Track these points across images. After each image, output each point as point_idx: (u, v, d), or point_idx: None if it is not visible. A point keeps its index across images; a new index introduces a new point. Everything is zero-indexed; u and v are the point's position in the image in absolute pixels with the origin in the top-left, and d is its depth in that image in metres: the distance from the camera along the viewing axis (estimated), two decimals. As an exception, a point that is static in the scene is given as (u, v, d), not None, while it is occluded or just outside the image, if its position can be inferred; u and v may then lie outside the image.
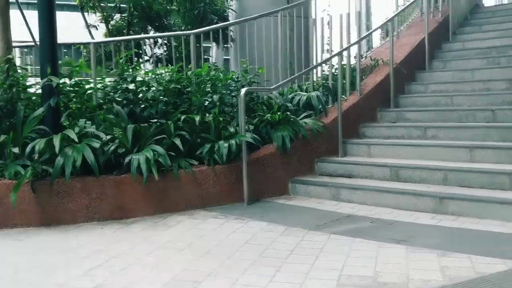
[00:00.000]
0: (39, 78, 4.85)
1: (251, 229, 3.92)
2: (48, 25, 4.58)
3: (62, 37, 5.09)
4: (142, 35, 8.03)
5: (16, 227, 4.09)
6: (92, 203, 4.26)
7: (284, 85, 5.83)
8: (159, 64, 8.16)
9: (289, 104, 5.72)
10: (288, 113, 5.38)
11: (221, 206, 4.72)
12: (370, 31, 7.12)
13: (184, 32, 6.72)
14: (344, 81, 6.03)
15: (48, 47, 4.60)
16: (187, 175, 4.62)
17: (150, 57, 8.37)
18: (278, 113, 5.31)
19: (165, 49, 8.59)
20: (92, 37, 9.01)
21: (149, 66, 8.21)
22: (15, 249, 3.57)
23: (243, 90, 4.85)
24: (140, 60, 8.11)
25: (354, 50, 6.47)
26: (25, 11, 5.23)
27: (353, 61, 6.40)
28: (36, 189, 4.12)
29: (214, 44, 9.53)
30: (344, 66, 6.12)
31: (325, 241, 3.52)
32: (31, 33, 5.23)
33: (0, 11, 5.13)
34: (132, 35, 8.15)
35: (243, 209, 4.63)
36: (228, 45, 8.91)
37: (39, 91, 4.83)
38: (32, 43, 5.46)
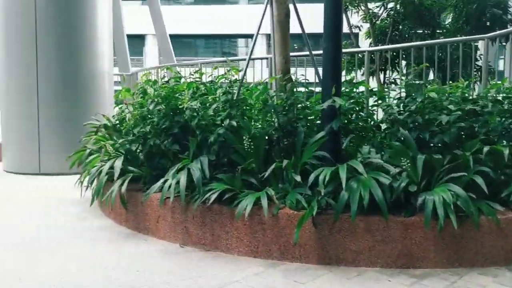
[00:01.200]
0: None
1: None
2: (333, 41, 4.22)
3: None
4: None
5: (295, 261, 3.85)
6: (376, 246, 3.73)
7: None
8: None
9: None
10: None
11: (531, 267, 3.68)
12: None
13: (474, 36, 5.62)
14: None
15: (332, 64, 4.26)
16: (488, 222, 3.71)
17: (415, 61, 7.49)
18: None
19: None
20: (351, 38, 8.58)
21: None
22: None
23: None
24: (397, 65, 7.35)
25: None
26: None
27: None
28: (317, 223, 3.80)
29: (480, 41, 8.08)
30: None
31: None
32: (308, 45, 4.99)
33: (280, 26, 5.01)
34: (396, 35, 7.38)
35: None
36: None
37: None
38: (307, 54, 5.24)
